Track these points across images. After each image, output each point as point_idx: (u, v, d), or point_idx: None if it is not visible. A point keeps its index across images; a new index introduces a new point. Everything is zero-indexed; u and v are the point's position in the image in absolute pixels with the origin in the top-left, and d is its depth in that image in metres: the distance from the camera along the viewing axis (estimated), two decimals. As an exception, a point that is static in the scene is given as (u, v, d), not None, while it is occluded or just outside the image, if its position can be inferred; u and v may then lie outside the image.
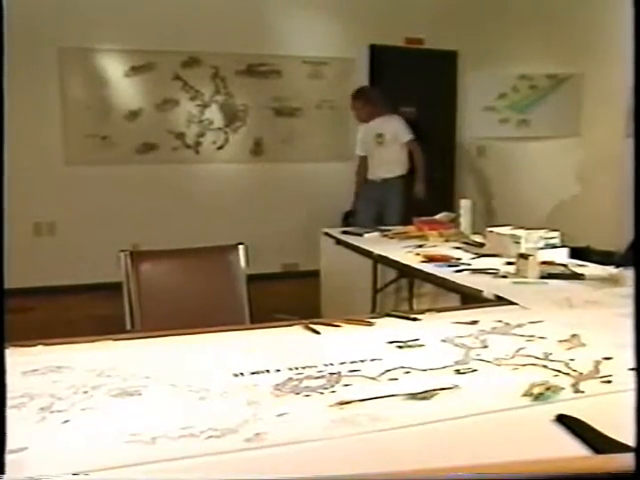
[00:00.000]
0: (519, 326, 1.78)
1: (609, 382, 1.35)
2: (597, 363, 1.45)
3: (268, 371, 1.42)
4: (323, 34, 6.44)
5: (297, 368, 1.43)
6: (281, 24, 6.29)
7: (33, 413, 1.19)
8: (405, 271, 2.94)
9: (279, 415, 1.18)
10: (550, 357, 1.50)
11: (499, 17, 6.82)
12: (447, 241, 3.43)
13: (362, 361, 1.48)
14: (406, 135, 5.43)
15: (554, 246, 2.94)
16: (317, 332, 1.76)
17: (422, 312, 1.98)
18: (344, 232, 3.84)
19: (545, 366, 1.44)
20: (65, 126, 5.77)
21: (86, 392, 1.30)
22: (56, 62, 5.66)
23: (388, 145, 5.38)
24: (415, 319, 1.88)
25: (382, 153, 5.39)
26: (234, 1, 6.07)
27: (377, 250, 3.24)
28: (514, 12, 6.83)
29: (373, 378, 1.38)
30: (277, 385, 1.33)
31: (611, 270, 2.49)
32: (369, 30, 6.38)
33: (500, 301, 2.12)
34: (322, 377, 1.38)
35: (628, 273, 2.28)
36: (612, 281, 2.37)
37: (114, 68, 5.89)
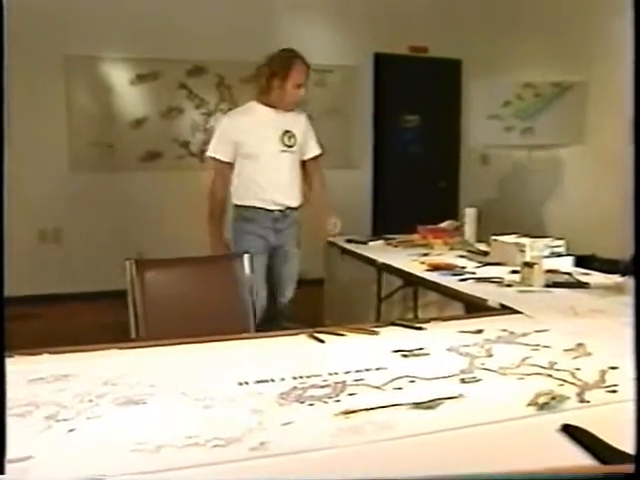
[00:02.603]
0: (524, 335, 1.78)
1: (615, 392, 1.34)
2: (603, 372, 1.45)
3: (273, 380, 1.42)
4: (328, 42, 6.45)
5: (302, 377, 1.43)
6: (286, 32, 6.30)
7: (39, 422, 1.19)
8: (410, 280, 2.93)
9: (284, 424, 1.18)
10: (555, 366, 1.50)
11: (503, 25, 6.83)
12: (452, 249, 3.43)
13: (367, 370, 1.48)
14: (316, 146, 3.48)
15: (559, 254, 2.94)
16: (322, 341, 1.76)
17: (427, 321, 1.97)
18: (348, 240, 3.84)
19: (550, 375, 1.44)
20: (70, 133, 5.79)
21: (91, 401, 1.30)
22: (62, 70, 5.68)
23: (295, 153, 3.30)
24: (420, 328, 1.88)
25: (285, 164, 3.25)
26: (239, 10, 6.09)
27: (381, 258, 3.24)
28: (518, 20, 6.84)
29: (378, 387, 1.37)
30: (282, 394, 1.33)
31: (616, 279, 2.49)
32: (374, 38, 6.40)
33: (505, 310, 2.12)
34: (327, 386, 1.38)
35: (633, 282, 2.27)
36: (617, 290, 2.36)
37: (119, 76, 5.91)
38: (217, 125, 3.55)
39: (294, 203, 3.28)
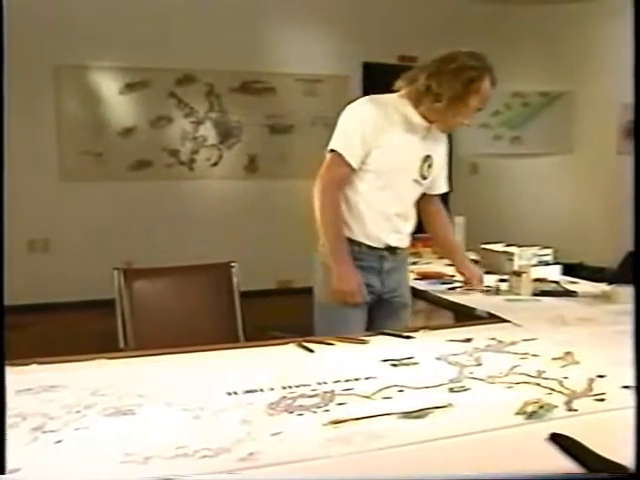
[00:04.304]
0: (513, 344, 1.78)
1: (602, 400, 1.35)
2: (591, 381, 1.45)
3: (262, 390, 1.41)
4: (317, 52, 6.48)
5: (291, 387, 1.43)
6: (275, 42, 6.33)
7: (26, 433, 1.19)
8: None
9: (273, 434, 1.18)
10: (543, 375, 1.51)
11: (492, 35, 6.87)
12: (441, 258, 3.43)
13: (356, 379, 1.48)
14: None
15: (547, 263, 2.95)
16: (311, 350, 1.76)
17: (416, 330, 1.98)
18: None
19: (538, 384, 1.45)
20: (60, 142, 5.78)
21: (79, 411, 1.29)
22: (51, 79, 5.68)
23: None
24: (409, 337, 1.88)
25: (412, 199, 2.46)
26: (228, 19, 6.11)
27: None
28: (507, 31, 6.89)
29: (367, 396, 1.37)
30: (271, 404, 1.33)
31: (604, 287, 2.50)
32: (363, 48, 6.42)
33: (493, 319, 2.13)
34: (316, 396, 1.37)
35: (621, 290, 2.29)
36: (605, 298, 2.38)
37: (109, 85, 5.91)
38: None
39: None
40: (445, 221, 2.64)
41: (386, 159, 2.27)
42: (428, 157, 2.38)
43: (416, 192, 2.42)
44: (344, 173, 2.28)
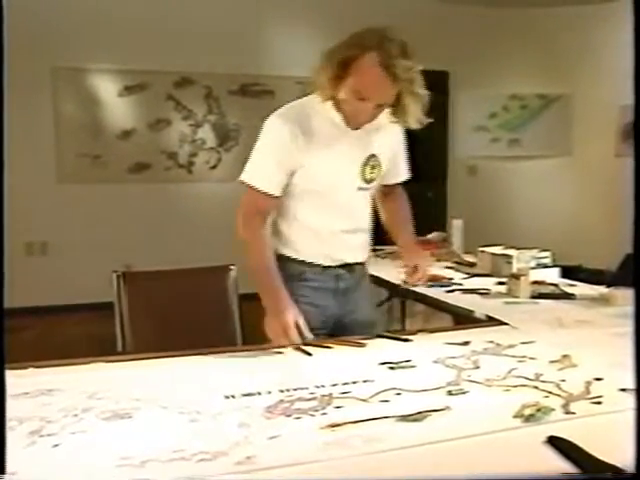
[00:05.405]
0: (511, 347, 1.78)
1: (600, 403, 1.35)
2: (588, 384, 1.45)
3: (260, 393, 1.41)
4: (316, 55, 6.46)
5: (288, 390, 1.43)
6: (274, 44, 6.34)
7: (23, 437, 1.18)
8: (397, 291, 2.94)
9: (271, 437, 1.18)
10: (541, 378, 1.50)
11: (490, 38, 6.89)
12: (439, 261, 3.43)
13: (354, 382, 1.48)
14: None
15: (545, 266, 2.95)
16: (308, 353, 1.75)
17: (414, 333, 1.98)
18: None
19: (536, 387, 1.45)
20: (58, 145, 5.78)
21: (76, 415, 1.29)
22: (49, 82, 5.68)
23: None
24: (407, 340, 1.88)
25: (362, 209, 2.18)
26: (227, 21, 6.11)
27: (369, 270, 3.24)
28: (505, 33, 6.91)
29: (364, 400, 1.37)
30: (268, 407, 1.33)
31: (602, 290, 2.50)
32: (361, 51, 6.42)
33: (491, 321, 2.13)
34: (313, 399, 1.37)
35: (619, 292, 2.29)
36: (603, 301, 2.38)
37: (107, 88, 5.92)
38: None
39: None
40: (400, 202, 2.34)
41: (314, 177, 2.00)
42: (371, 157, 2.06)
43: (364, 200, 2.13)
44: (266, 203, 2.01)
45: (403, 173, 2.30)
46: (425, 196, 6.95)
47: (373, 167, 2.07)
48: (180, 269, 2.62)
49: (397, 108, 1.94)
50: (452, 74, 6.98)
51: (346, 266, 2.13)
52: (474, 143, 7.19)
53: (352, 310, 2.16)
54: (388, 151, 2.13)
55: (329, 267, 2.10)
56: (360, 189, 2.07)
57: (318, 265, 2.09)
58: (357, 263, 2.18)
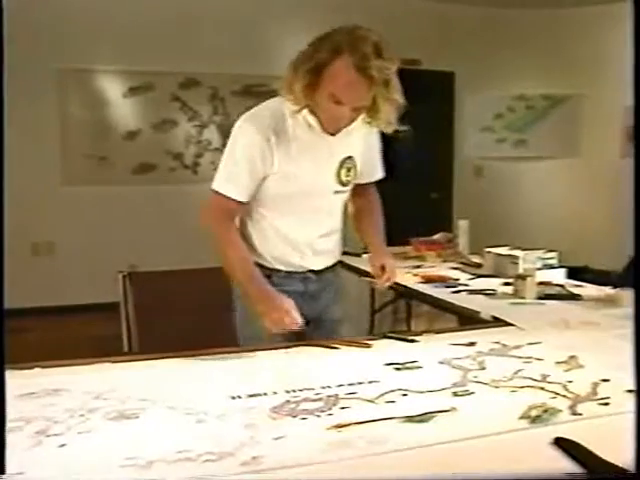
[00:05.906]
0: (517, 347, 1.78)
1: (607, 404, 1.34)
2: (595, 385, 1.45)
3: (265, 394, 1.41)
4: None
5: (294, 390, 1.43)
6: (279, 45, 6.33)
7: (29, 437, 1.19)
8: (403, 292, 2.93)
9: (276, 438, 1.18)
10: (548, 379, 1.50)
11: (496, 38, 6.88)
12: (445, 261, 3.43)
13: (359, 383, 1.48)
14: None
15: (552, 266, 2.94)
16: (315, 354, 1.75)
17: (420, 333, 1.98)
18: (342, 252, 3.83)
19: (543, 388, 1.44)
20: (63, 146, 5.79)
21: (83, 415, 1.29)
22: (55, 83, 5.69)
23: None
24: (413, 340, 1.88)
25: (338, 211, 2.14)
26: (232, 22, 6.12)
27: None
28: (510, 34, 6.89)
29: (370, 400, 1.37)
30: (274, 408, 1.33)
31: (608, 291, 2.50)
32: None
33: (497, 322, 2.12)
34: (319, 400, 1.37)
35: (626, 293, 2.28)
36: (609, 302, 2.37)
37: (112, 89, 5.92)
38: None
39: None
40: (372, 202, 2.28)
41: (286, 183, 1.93)
42: (347, 159, 2.01)
43: (340, 202, 2.09)
44: (237, 207, 1.97)
45: (377, 172, 2.24)
46: (431, 197, 6.95)
47: (349, 169, 2.02)
48: (186, 269, 2.62)
49: (370, 109, 1.85)
50: (458, 75, 6.98)
51: (315, 271, 2.09)
52: (480, 144, 7.18)
53: (321, 311, 2.12)
54: (363, 151, 2.08)
55: (297, 272, 2.06)
56: (336, 192, 2.03)
57: (286, 271, 2.05)
58: (327, 267, 2.14)
